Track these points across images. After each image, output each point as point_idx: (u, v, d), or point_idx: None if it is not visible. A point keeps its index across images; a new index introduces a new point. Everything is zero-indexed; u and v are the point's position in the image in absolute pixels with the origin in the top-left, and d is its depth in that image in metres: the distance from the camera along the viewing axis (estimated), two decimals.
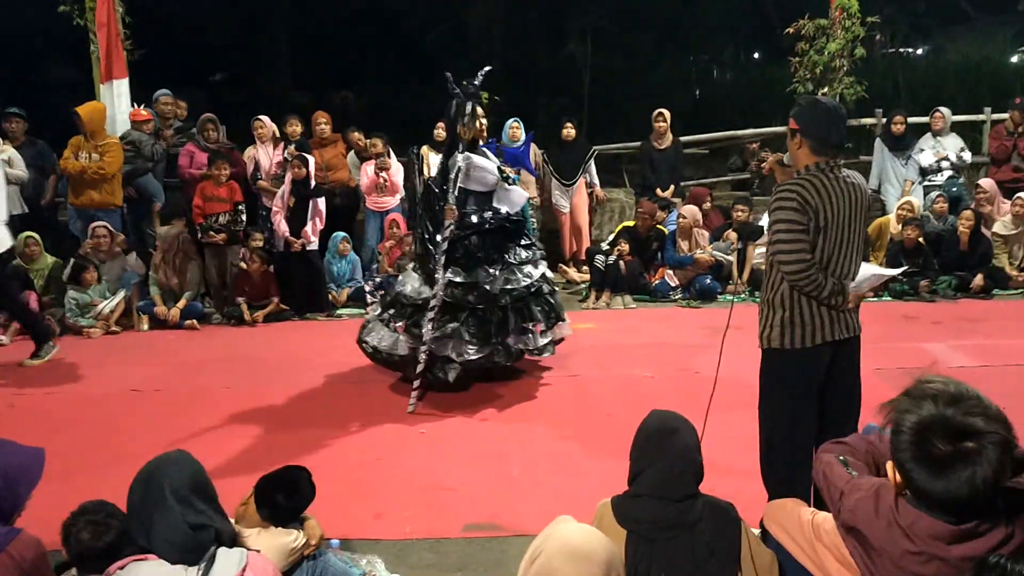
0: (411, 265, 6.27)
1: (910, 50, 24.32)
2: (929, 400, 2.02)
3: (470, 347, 5.71)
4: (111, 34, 9.71)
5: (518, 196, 6.11)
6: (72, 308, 8.14)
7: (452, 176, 5.81)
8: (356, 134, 9.69)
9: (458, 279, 5.72)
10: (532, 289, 5.93)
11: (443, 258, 5.70)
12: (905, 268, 3.85)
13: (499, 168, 6.03)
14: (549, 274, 6.28)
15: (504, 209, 5.98)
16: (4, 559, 2.58)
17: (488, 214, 5.88)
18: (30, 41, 20.30)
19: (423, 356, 5.67)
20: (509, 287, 5.78)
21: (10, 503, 2.74)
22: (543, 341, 5.99)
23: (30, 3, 14.18)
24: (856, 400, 3.61)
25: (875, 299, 8.13)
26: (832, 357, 3.50)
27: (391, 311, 6.03)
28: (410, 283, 5.98)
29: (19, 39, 19.86)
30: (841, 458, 2.51)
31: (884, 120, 10.69)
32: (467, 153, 5.84)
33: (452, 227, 5.72)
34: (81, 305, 8.17)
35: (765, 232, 8.56)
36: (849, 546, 2.22)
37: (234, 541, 2.34)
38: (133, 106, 9.59)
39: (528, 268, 5.96)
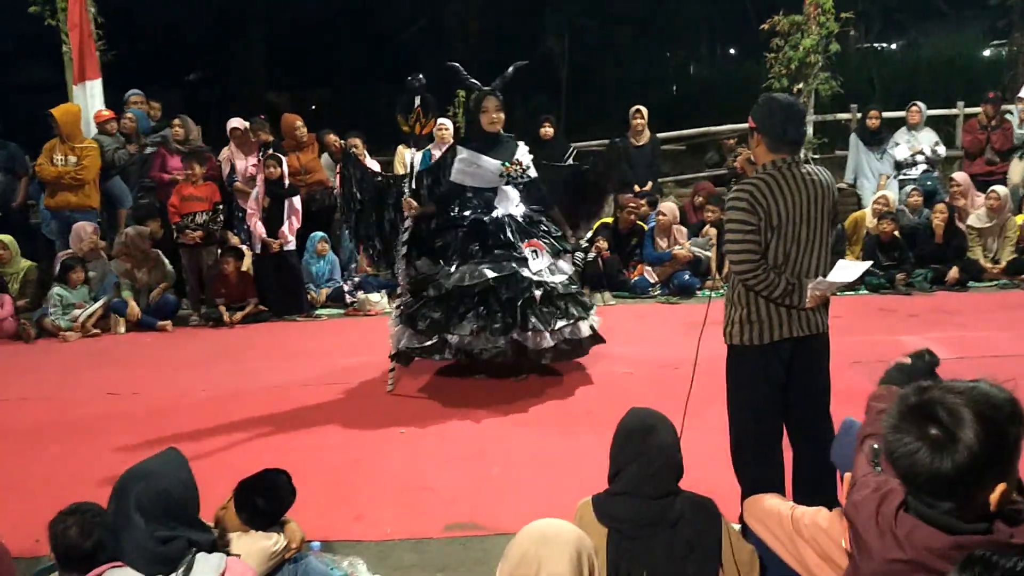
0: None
1: (884, 45, 24.49)
2: (946, 389, 2.00)
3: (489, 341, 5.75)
4: (83, 35, 9.63)
5: (512, 198, 6.04)
6: (56, 306, 8.05)
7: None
8: (331, 136, 9.63)
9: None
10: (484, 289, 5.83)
11: (403, 249, 5.88)
12: (871, 264, 3.84)
13: (505, 164, 5.97)
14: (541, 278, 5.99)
15: (499, 210, 5.96)
16: None
17: (455, 213, 5.94)
18: (1, 42, 20.07)
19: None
20: (462, 284, 5.78)
21: None
22: (487, 345, 5.79)
23: (1, 4, 14.01)
24: (823, 397, 3.61)
25: (851, 293, 8.19)
26: (792, 354, 3.50)
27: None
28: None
29: None
30: (876, 446, 2.49)
31: (859, 115, 10.77)
32: (465, 149, 5.95)
33: (410, 220, 5.87)
34: (65, 304, 8.09)
35: None
36: (848, 533, 2.22)
37: (213, 547, 2.32)
38: (124, 110, 9.50)
39: (483, 268, 5.85)
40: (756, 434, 3.55)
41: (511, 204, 6.01)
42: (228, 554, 2.39)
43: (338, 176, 6.96)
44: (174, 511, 2.34)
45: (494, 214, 5.93)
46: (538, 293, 5.74)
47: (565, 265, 6.09)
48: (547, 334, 5.75)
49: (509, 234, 5.87)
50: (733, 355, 3.60)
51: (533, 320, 5.70)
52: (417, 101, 5.92)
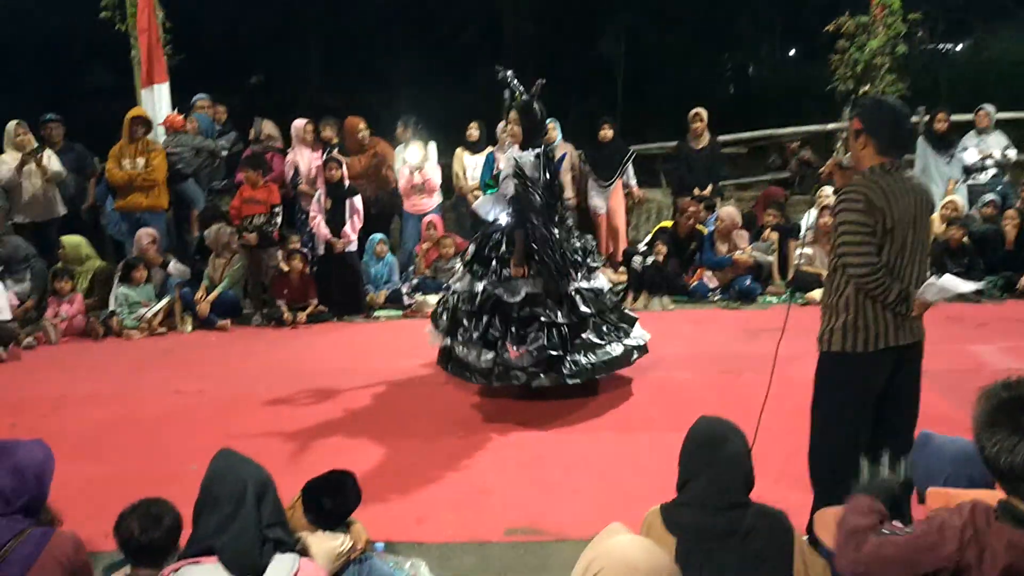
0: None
1: (950, 46, 23.92)
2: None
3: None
4: (151, 39, 9.84)
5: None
6: (121, 304, 8.26)
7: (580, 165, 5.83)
8: (400, 125, 9.66)
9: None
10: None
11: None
12: (981, 285, 3.70)
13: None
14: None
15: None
16: (46, 559, 2.62)
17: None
18: (72, 48, 20.61)
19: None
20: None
21: (39, 500, 2.78)
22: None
23: (72, 10, 14.37)
24: (914, 408, 3.53)
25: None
26: (895, 364, 3.43)
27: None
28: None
29: (61, 46, 20.18)
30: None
31: (927, 118, 10.52)
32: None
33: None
34: (130, 303, 8.29)
35: (803, 230, 8.51)
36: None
37: (290, 548, 2.34)
38: (174, 111, 9.70)
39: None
40: (843, 444, 3.45)
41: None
42: (303, 554, 2.42)
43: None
44: (279, 504, 2.39)
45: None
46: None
47: None
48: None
49: None
50: (830, 362, 3.50)
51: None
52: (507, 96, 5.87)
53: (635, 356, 5.85)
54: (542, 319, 5.51)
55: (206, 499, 2.34)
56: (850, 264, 3.33)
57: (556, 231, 5.62)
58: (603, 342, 5.67)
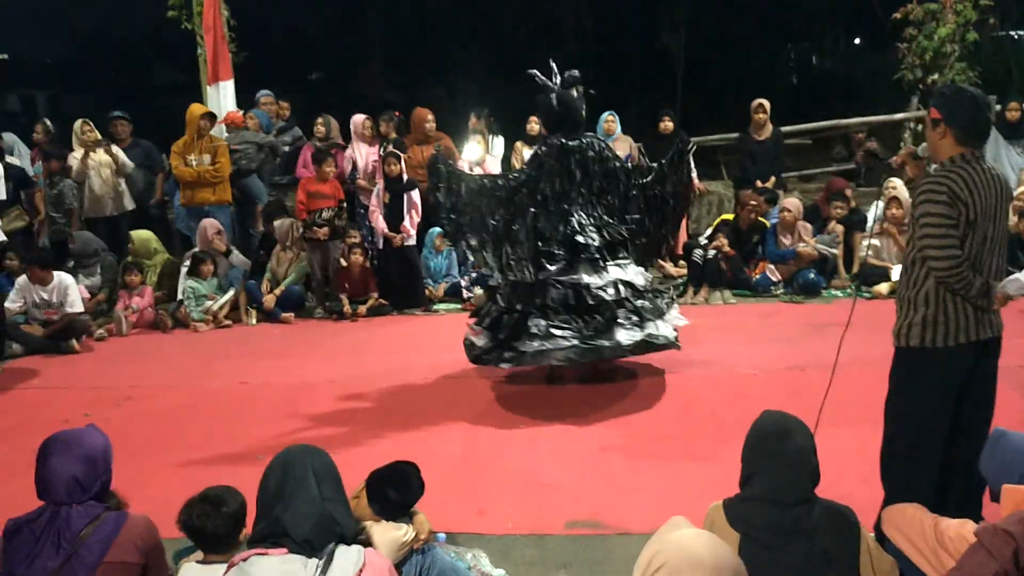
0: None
1: (1021, 33, 23.17)
2: None
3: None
4: (217, 37, 10.05)
5: None
6: (189, 297, 8.46)
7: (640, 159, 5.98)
8: (473, 117, 9.73)
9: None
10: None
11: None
12: None
13: None
14: None
15: None
16: (122, 541, 2.70)
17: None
18: (140, 46, 21.13)
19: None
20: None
21: (108, 484, 2.87)
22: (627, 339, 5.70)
23: (139, 10, 14.75)
24: (991, 405, 3.42)
25: None
26: (976, 358, 3.33)
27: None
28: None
29: (130, 45, 20.71)
30: None
31: (998, 107, 10.21)
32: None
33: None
34: (197, 295, 8.49)
35: (870, 222, 8.33)
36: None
37: (354, 538, 2.38)
38: (244, 111, 9.88)
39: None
40: (917, 441, 3.37)
41: None
42: (366, 544, 2.45)
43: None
44: (339, 483, 2.44)
45: None
46: None
47: None
48: None
49: None
50: (908, 357, 3.41)
51: None
52: (576, 94, 5.93)
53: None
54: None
55: (267, 486, 2.39)
56: (932, 257, 3.23)
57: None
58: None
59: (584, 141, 5.90)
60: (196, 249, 8.78)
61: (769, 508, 2.58)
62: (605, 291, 5.60)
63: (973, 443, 3.13)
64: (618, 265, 5.78)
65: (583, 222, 5.78)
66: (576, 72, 5.96)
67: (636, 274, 5.86)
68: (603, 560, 3.75)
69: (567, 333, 5.52)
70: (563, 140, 5.86)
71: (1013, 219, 8.46)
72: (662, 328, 5.73)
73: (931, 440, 3.37)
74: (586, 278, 5.64)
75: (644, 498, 4.29)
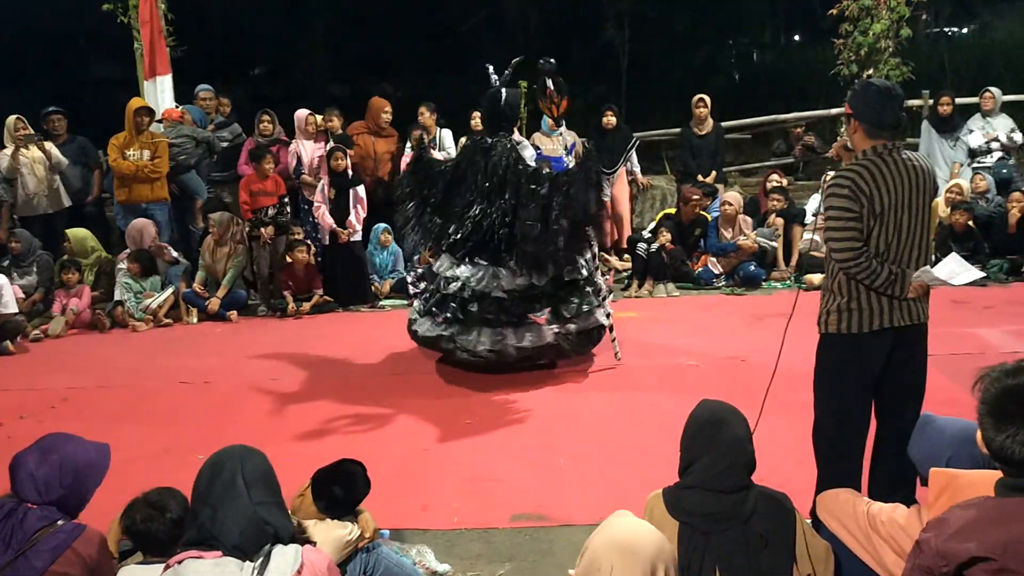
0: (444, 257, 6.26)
1: (955, 29, 23.78)
2: None
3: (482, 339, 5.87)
4: (154, 31, 9.85)
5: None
6: (128, 291, 8.31)
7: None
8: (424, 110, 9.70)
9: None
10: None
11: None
12: (979, 276, 3.64)
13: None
14: None
15: None
16: (70, 555, 2.66)
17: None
18: (75, 40, 20.63)
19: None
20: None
21: (78, 498, 2.82)
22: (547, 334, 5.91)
23: (74, 3, 14.40)
24: (918, 391, 3.53)
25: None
26: (893, 345, 3.43)
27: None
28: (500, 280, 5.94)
29: (64, 38, 20.20)
30: None
31: (931, 101, 10.48)
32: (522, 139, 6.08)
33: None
34: (135, 291, 8.33)
35: (808, 215, 8.50)
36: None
37: (292, 537, 2.36)
38: (176, 105, 9.70)
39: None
40: (843, 426, 3.48)
41: None
42: (305, 542, 2.43)
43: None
44: (270, 485, 2.41)
45: None
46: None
47: None
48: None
49: None
50: (827, 344, 3.53)
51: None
52: (549, 83, 5.96)
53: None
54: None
55: (198, 490, 2.36)
56: (834, 249, 3.37)
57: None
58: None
59: (500, 142, 5.94)
60: (132, 249, 8.61)
61: (707, 495, 2.63)
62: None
63: (902, 428, 3.22)
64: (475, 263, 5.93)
65: (475, 215, 5.86)
66: (552, 60, 5.98)
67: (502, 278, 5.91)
68: (548, 552, 3.78)
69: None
70: (485, 139, 5.99)
71: (946, 211, 8.70)
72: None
73: (853, 424, 3.48)
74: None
75: (588, 490, 4.33)
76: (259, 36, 22.65)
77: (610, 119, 9.52)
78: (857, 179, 3.30)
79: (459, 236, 5.88)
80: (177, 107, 9.63)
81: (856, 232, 3.31)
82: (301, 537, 2.48)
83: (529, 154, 5.99)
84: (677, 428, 2.81)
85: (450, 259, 6.08)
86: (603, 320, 6.14)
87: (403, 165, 9.17)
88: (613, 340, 5.98)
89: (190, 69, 10.78)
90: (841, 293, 3.42)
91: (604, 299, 6.05)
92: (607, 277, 6.05)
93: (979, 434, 2.04)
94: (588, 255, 6.11)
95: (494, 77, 6.03)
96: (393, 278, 8.94)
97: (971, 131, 9.64)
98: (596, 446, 4.91)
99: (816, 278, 8.03)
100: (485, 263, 5.91)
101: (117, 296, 8.39)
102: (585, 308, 5.99)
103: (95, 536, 2.77)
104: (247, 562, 2.25)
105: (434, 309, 6.04)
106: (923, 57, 15.66)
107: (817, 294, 3.70)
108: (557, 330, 5.89)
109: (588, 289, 6.07)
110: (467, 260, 5.97)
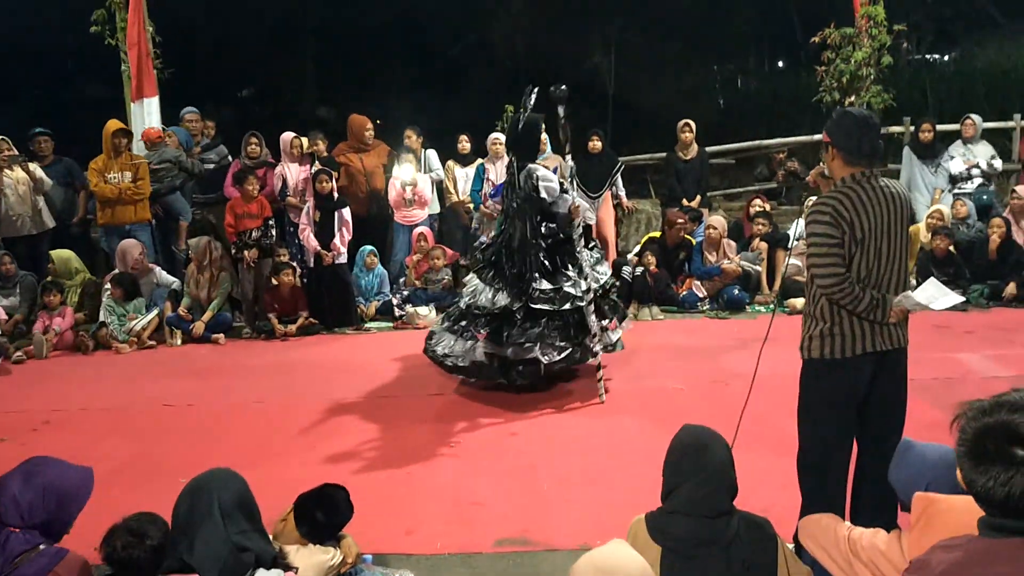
0: (472, 276, 6.48)
1: (937, 57, 24.11)
2: (1006, 407, 1.88)
3: (554, 350, 5.93)
4: (141, 53, 9.88)
5: (564, 205, 6.20)
6: (112, 314, 8.25)
7: (568, 177, 6.16)
8: (410, 133, 9.77)
9: (543, 286, 5.97)
10: (607, 287, 6.23)
11: (581, 253, 5.96)
12: (959, 300, 3.68)
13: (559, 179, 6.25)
14: (608, 271, 6.54)
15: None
16: None
17: (582, 221, 6.06)
18: (63, 61, 20.64)
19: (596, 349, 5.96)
20: (586, 290, 5.98)
21: (61, 523, 2.80)
22: (615, 337, 6.24)
23: (63, 24, 14.41)
24: (899, 415, 3.56)
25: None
26: (875, 370, 3.47)
27: (463, 322, 6.22)
28: (483, 295, 6.15)
29: (52, 59, 20.21)
30: None
31: (912, 128, 10.62)
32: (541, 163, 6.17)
33: (580, 224, 5.97)
34: (118, 314, 8.28)
35: (791, 240, 8.58)
36: None
37: (274, 562, 2.36)
38: (164, 128, 9.71)
39: (600, 268, 6.23)
40: (827, 451, 3.51)
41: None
42: (287, 568, 2.43)
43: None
44: (248, 513, 2.40)
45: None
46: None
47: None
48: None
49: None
50: (810, 369, 3.55)
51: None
52: (561, 111, 6.02)
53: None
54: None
55: (177, 519, 2.36)
56: (817, 275, 3.40)
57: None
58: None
59: (522, 166, 6.15)
60: (117, 271, 8.58)
61: (689, 520, 2.64)
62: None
63: (883, 452, 3.24)
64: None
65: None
66: (564, 87, 6.07)
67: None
68: None
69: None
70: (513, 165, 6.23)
71: (927, 236, 8.79)
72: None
73: (837, 448, 3.50)
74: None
75: (572, 514, 4.33)
76: (247, 58, 22.70)
77: (596, 143, 9.58)
78: (838, 206, 3.34)
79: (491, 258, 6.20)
80: (164, 129, 9.64)
81: (839, 258, 3.35)
82: (283, 563, 2.48)
83: (547, 181, 6.07)
84: (661, 452, 2.82)
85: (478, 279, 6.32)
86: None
87: (391, 187, 9.28)
88: (599, 381, 6.00)
89: (177, 91, 10.80)
90: (824, 318, 3.46)
91: (596, 339, 6.05)
92: (609, 322, 6.10)
93: (959, 473, 2.01)
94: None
95: (529, 101, 6.16)
96: (379, 300, 8.94)
97: (952, 158, 9.76)
98: (580, 470, 4.91)
99: (799, 302, 8.08)
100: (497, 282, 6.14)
101: (102, 318, 8.35)
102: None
103: (77, 561, 2.75)
104: None
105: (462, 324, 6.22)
106: (905, 84, 15.89)
107: (797, 318, 3.74)
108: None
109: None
110: (491, 280, 6.19)
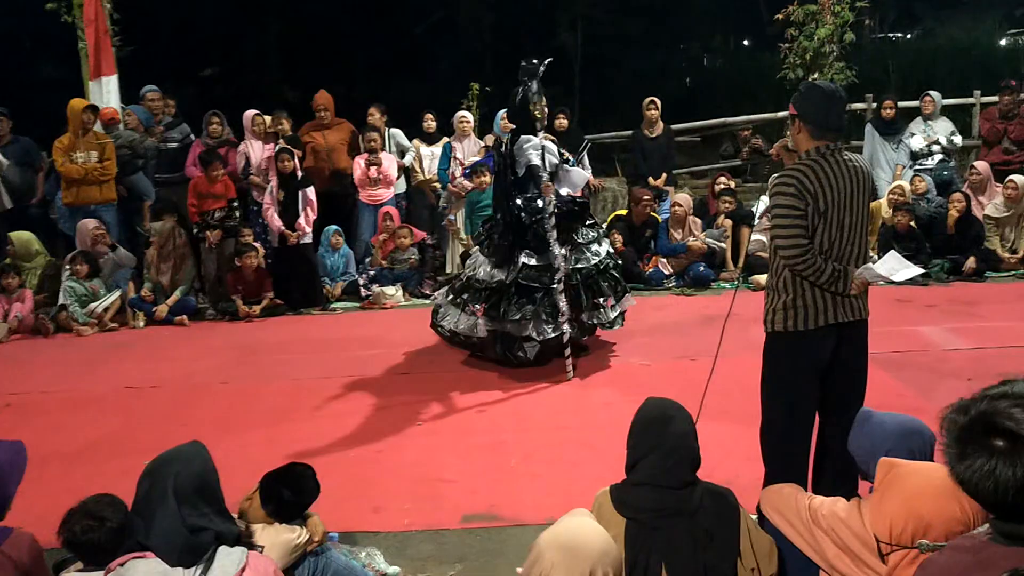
0: (475, 249, 6.58)
1: (899, 35, 24.34)
2: (986, 399, 1.85)
3: (547, 326, 5.98)
4: (99, 31, 9.66)
5: (578, 177, 6.30)
6: (71, 296, 8.11)
7: (540, 155, 6.05)
8: (374, 111, 9.69)
9: (532, 261, 6.00)
10: (600, 266, 6.22)
11: (554, 233, 5.92)
12: (920, 272, 3.74)
13: (559, 151, 6.24)
14: (611, 250, 6.54)
15: (565, 191, 6.17)
16: (0, 558, 2.59)
17: (553, 198, 6.01)
18: (19, 40, 20.18)
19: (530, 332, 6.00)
20: (579, 266, 6.05)
21: (0, 501, 2.75)
22: (613, 314, 6.26)
23: (18, 2, 14.09)
24: (860, 386, 3.61)
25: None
26: (837, 341, 3.51)
27: (464, 295, 6.27)
28: (481, 268, 6.22)
29: (7, 38, 19.75)
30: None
31: (874, 105, 10.71)
32: (536, 137, 6.07)
33: (553, 203, 5.94)
34: (79, 294, 8.15)
35: (756, 217, 8.65)
36: None
37: (237, 540, 2.34)
38: (123, 106, 9.55)
39: (595, 247, 6.24)
40: (790, 421, 3.55)
41: (576, 184, 6.27)
42: (252, 546, 2.41)
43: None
44: (206, 496, 2.37)
45: (564, 196, 6.15)
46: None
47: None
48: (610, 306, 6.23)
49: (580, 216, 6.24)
50: (774, 342, 3.59)
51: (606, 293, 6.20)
52: (535, 86, 5.98)
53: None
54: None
55: (135, 500, 2.34)
56: (780, 247, 3.43)
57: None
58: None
59: (516, 139, 6.18)
60: (77, 250, 8.44)
61: (653, 492, 2.66)
62: None
63: (845, 423, 3.29)
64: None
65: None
66: (536, 61, 6.04)
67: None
68: (499, 552, 3.79)
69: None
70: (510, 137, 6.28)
71: (888, 212, 8.89)
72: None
73: (801, 419, 3.55)
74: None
75: (539, 489, 4.35)
76: (209, 37, 22.34)
77: (562, 121, 9.56)
78: (802, 178, 3.37)
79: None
80: (124, 108, 9.47)
81: (802, 230, 3.37)
82: (247, 541, 2.47)
83: (529, 153, 6.06)
84: (628, 426, 2.84)
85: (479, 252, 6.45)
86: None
87: (355, 166, 9.19)
88: (567, 358, 6.02)
89: (138, 70, 10.61)
90: (786, 291, 3.49)
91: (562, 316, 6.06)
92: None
93: (949, 472, 1.97)
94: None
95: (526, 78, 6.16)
96: (345, 280, 8.89)
97: (913, 134, 9.86)
98: (548, 446, 4.93)
99: (763, 279, 8.14)
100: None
101: (61, 300, 8.21)
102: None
103: (24, 538, 2.70)
104: (190, 568, 2.23)
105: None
106: (867, 61, 16.00)
107: (761, 294, 3.77)
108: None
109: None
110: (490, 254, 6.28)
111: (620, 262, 6.72)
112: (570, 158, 6.40)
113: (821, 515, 2.68)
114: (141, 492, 2.36)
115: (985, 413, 1.79)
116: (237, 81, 22.18)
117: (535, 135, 6.11)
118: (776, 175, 3.49)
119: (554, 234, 5.92)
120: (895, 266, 3.60)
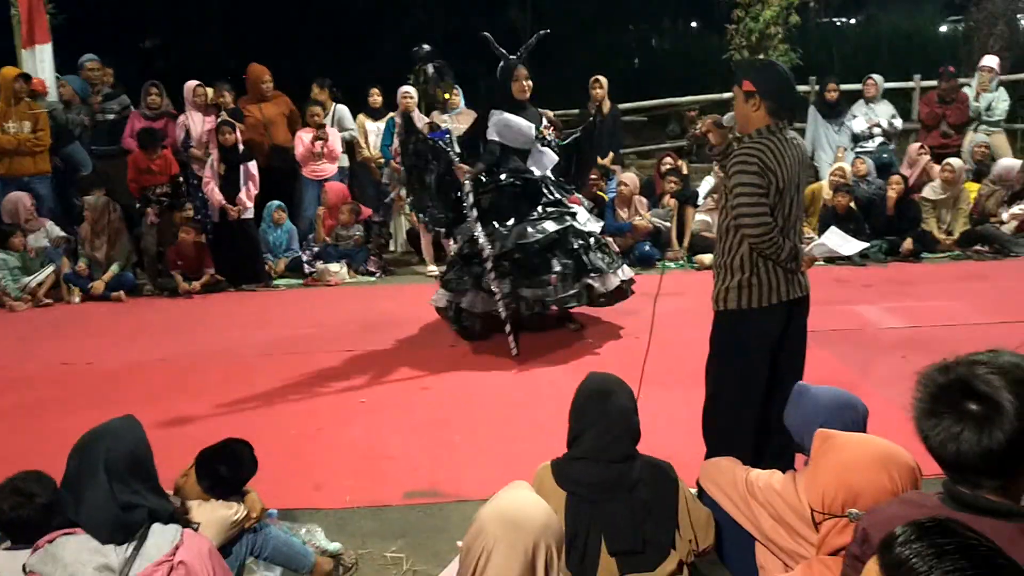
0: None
1: (843, 20, 24.69)
2: (967, 364, 1.83)
3: (476, 298, 6.08)
4: None
5: (549, 160, 6.20)
6: (3, 270, 7.87)
7: (453, 139, 6.16)
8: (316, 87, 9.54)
9: (478, 234, 6.00)
10: (548, 243, 6.06)
11: (474, 212, 5.97)
12: (865, 246, 3.81)
13: (537, 129, 6.16)
14: (586, 228, 6.31)
15: (537, 172, 6.14)
16: None
17: (503, 174, 6.04)
18: None
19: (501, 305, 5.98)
20: (522, 241, 5.96)
21: None
22: (566, 292, 6.10)
23: None
24: (801, 359, 3.66)
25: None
26: (788, 316, 3.54)
27: (456, 267, 6.36)
28: (482, 238, 6.13)
29: None
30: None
31: (818, 88, 10.85)
32: (500, 111, 6.06)
33: (469, 184, 5.97)
34: (11, 267, 7.91)
35: (700, 198, 8.72)
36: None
37: (172, 517, 2.29)
38: (57, 76, 9.26)
39: (544, 224, 6.06)
40: (739, 398, 3.56)
41: (546, 165, 6.19)
42: (187, 523, 2.37)
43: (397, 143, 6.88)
44: (139, 472, 2.32)
45: (536, 174, 6.13)
46: (591, 240, 6.25)
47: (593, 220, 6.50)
48: (611, 275, 6.22)
49: (554, 191, 6.20)
50: (727, 321, 3.58)
51: (598, 264, 6.17)
52: (430, 69, 5.91)
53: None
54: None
55: (66, 476, 2.28)
56: (746, 225, 3.39)
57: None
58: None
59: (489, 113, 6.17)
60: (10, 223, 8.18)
61: (594, 466, 2.67)
62: None
63: (786, 398, 3.34)
64: None
65: None
66: (426, 47, 5.95)
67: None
68: (441, 528, 3.78)
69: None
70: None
71: (829, 193, 9.03)
72: None
73: (752, 397, 3.56)
74: None
75: (482, 465, 4.35)
76: (150, 7, 21.77)
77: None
78: (764, 156, 3.36)
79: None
80: (59, 77, 9.19)
81: (767, 207, 3.36)
82: (182, 518, 2.42)
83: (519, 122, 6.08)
84: (570, 403, 2.85)
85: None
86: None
87: (298, 141, 9.03)
88: (509, 334, 6.01)
89: (74, 39, 10.29)
90: (742, 269, 3.48)
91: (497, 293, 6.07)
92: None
93: (916, 428, 1.90)
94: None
95: (502, 51, 6.17)
96: (288, 257, 8.76)
97: (855, 117, 10.01)
98: (490, 422, 4.93)
99: (707, 258, 8.24)
100: None
101: None
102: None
103: None
104: (122, 545, 2.18)
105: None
106: (811, 45, 16.19)
107: (706, 273, 3.80)
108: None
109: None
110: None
111: (604, 242, 6.59)
112: (547, 139, 6.31)
113: (758, 488, 2.72)
114: (71, 468, 2.30)
115: (965, 376, 1.79)
116: (178, 53, 21.69)
117: (511, 110, 6.10)
118: (736, 152, 3.45)
119: (474, 212, 5.94)
120: (839, 241, 3.68)
